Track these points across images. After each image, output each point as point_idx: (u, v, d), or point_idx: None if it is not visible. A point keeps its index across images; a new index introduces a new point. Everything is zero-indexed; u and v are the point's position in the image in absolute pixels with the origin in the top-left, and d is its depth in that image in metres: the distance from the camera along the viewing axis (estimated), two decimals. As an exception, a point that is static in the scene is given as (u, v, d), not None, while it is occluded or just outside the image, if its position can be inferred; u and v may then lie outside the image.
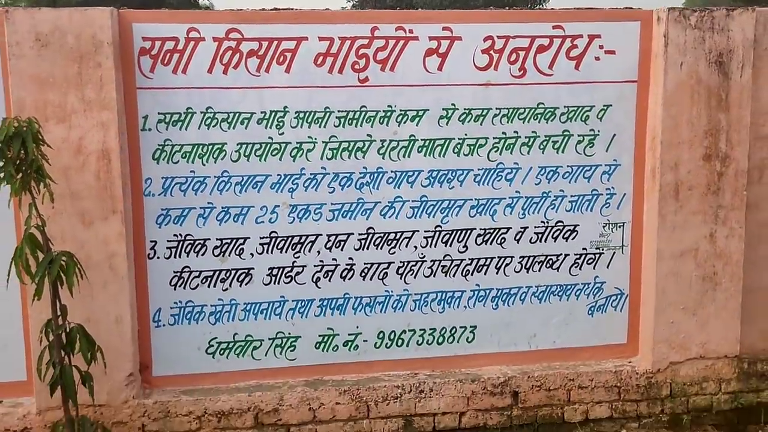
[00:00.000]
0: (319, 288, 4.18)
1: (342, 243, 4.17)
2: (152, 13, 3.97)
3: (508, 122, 4.20)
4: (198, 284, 4.08)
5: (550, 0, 27.41)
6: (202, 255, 4.06)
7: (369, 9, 25.14)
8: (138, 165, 3.93)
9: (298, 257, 4.14)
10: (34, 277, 3.34)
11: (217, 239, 4.06)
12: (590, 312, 4.43)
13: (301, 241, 4.13)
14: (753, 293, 4.42)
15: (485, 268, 4.31)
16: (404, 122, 4.12)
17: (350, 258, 4.19)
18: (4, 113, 3.67)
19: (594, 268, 4.40)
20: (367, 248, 4.20)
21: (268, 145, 4.03)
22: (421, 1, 25.06)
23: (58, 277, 3.37)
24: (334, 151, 4.09)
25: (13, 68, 3.65)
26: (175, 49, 3.89)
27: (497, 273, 4.32)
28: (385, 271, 4.23)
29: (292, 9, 4.04)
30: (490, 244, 4.29)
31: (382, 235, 4.20)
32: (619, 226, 4.38)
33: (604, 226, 4.36)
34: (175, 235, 4.03)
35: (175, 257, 4.04)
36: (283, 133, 4.03)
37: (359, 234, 4.18)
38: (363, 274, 4.21)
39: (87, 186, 3.75)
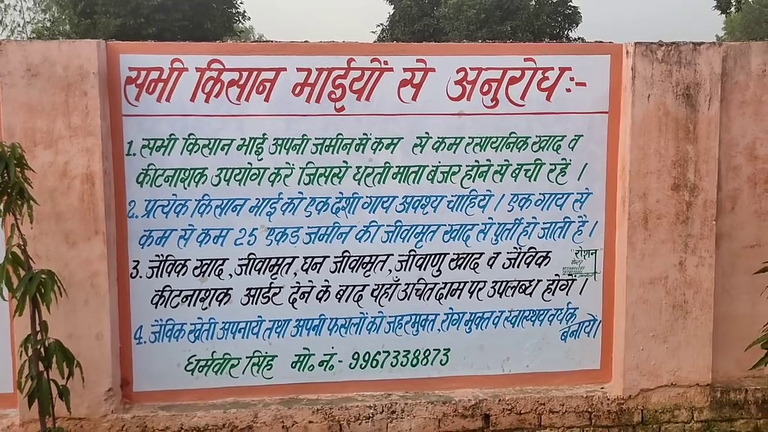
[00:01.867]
0: (296, 309, 4.32)
1: (318, 265, 4.31)
2: (138, 44, 4.20)
3: (481, 150, 4.33)
4: (178, 303, 4.25)
5: (578, 28, 27.60)
6: (183, 275, 4.23)
7: (398, 36, 25.63)
8: (122, 188, 4.13)
9: (276, 278, 4.29)
10: (15, 292, 3.53)
11: (197, 260, 4.23)
12: (563, 337, 4.50)
13: (279, 263, 4.28)
14: (726, 322, 4.46)
15: (459, 292, 4.42)
16: (379, 149, 4.27)
17: (326, 280, 4.32)
18: (-4, 138, 3.89)
19: (567, 294, 4.48)
20: (343, 271, 4.33)
21: (248, 170, 4.20)
22: (449, 26, 25.41)
23: (38, 293, 3.55)
24: (311, 177, 4.25)
25: (4, 96, 3.88)
26: (159, 78, 4.09)
27: (471, 297, 4.43)
28: (360, 293, 4.36)
29: (271, 41, 4.23)
30: (464, 268, 4.40)
31: (357, 258, 4.33)
32: (592, 253, 4.46)
33: (576, 253, 4.45)
34: (156, 255, 4.20)
35: (156, 276, 4.22)
36: (261, 159, 4.20)
37: (335, 257, 4.32)
38: (338, 296, 4.34)
39: (71, 208, 3.94)
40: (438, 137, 4.29)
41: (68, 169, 3.93)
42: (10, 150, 3.46)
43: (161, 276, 4.22)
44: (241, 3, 25.94)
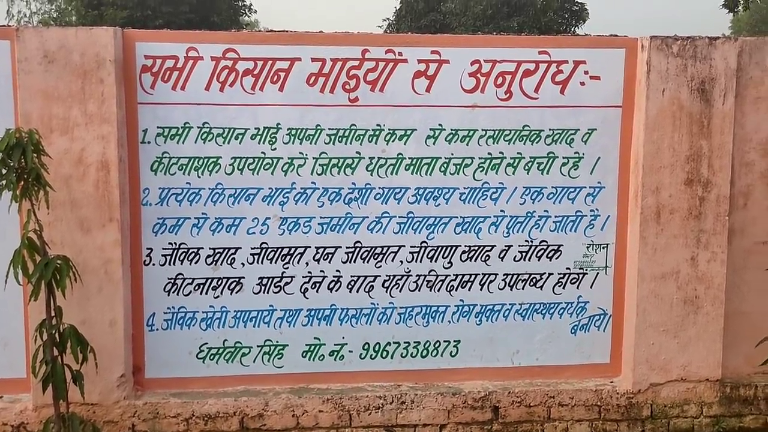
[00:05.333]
0: (307, 298, 4.34)
1: (330, 255, 4.32)
2: (154, 33, 4.21)
3: (494, 143, 4.33)
4: (191, 291, 4.27)
5: (585, 25, 27.53)
6: (196, 263, 4.25)
7: (405, 30, 25.59)
8: (137, 176, 4.15)
9: (287, 268, 4.31)
10: (31, 278, 3.56)
11: (210, 248, 4.25)
12: (573, 331, 4.51)
13: (291, 252, 4.30)
14: (737, 317, 4.46)
15: (470, 284, 4.43)
16: (392, 141, 4.28)
17: (337, 270, 4.34)
18: (12, 125, 3.90)
19: (577, 288, 4.48)
20: (354, 261, 4.34)
21: (261, 159, 4.22)
22: (456, 21, 25.35)
23: (54, 279, 3.58)
24: (324, 167, 4.26)
25: (21, 83, 3.90)
26: (174, 66, 4.11)
27: (481, 289, 4.44)
28: (371, 284, 4.37)
29: (286, 31, 4.23)
30: (475, 261, 4.41)
31: (369, 249, 4.34)
32: (603, 247, 4.46)
33: (587, 247, 4.45)
34: (170, 243, 4.22)
35: (169, 264, 4.24)
36: (275, 149, 4.22)
37: (347, 247, 4.33)
38: (350, 287, 4.36)
39: (86, 195, 3.97)
40: (451, 129, 4.30)
41: (84, 156, 3.95)
42: (28, 136, 3.48)
43: (174, 264, 4.24)
44: (247, -4, 25.99)
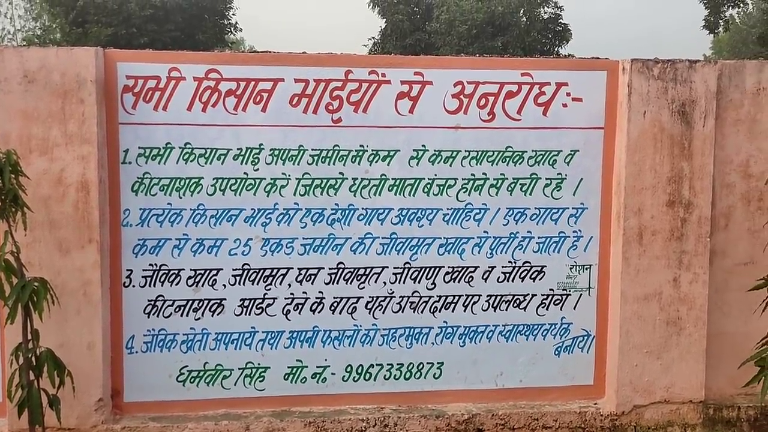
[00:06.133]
0: (289, 320, 4.30)
1: (312, 277, 4.29)
2: (136, 53, 4.19)
3: (477, 164, 4.33)
4: (171, 313, 4.21)
5: (568, 45, 27.89)
6: (176, 285, 4.20)
7: (389, 50, 25.73)
8: (117, 196, 4.11)
9: (270, 289, 4.27)
10: (7, 301, 3.49)
11: (191, 270, 4.21)
12: (557, 352, 4.50)
13: (273, 273, 4.26)
14: (719, 338, 4.47)
15: (453, 305, 4.41)
16: (376, 161, 4.27)
17: (320, 292, 4.31)
18: (-10, 145, 3.86)
19: (561, 309, 4.48)
20: (337, 282, 4.32)
21: (244, 180, 4.19)
22: (441, 41, 25.55)
23: (30, 301, 3.52)
24: (307, 188, 4.24)
25: (1, 103, 3.85)
26: (156, 87, 4.08)
27: (465, 311, 4.42)
28: (354, 305, 4.34)
29: (269, 52, 4.23)
30: (458, 282, 4.40)
31: (352, 270, 4.32)
32: (586, 268, 4.46)
33: (571, 268, 4.45)
34: (150, 264, 4.18)
35: (149, 286, 4.19)
36: (258, 169, 4.19)
37: (330, 268, 4.30)
38: (332, 308, 4.33)
39: (65, 216, 3.92)
40: (434, 150, 4.30)
41: (63, 176, 3.90)
42: (5, 156, 3.43)
43: (154, 285, 4.19)
44: (233, 15, 26.02)
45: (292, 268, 4.27)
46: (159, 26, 21.51)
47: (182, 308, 4.22)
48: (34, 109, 3.87)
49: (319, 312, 4.32)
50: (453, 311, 4.41)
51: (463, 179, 4.34)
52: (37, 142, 3.88)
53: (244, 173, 4.19)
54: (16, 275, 3.54)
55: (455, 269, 4.39)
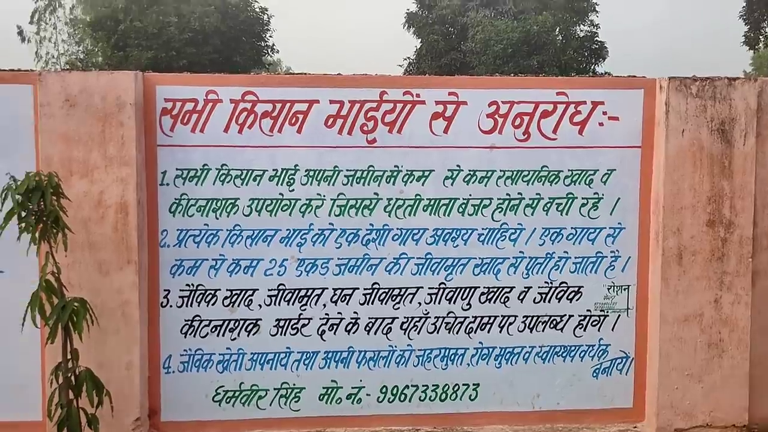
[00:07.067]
0: (324, 340, 4.30)
1: (347, 297, 4.29)
2: (175, 76, 4.26)
3: (512, 184, 4.31)
4: (207, 333, 4.25)
5: (604, 63, 27.67)
6: (213, 305, 4.23)
7: (424, 69, 25.80)
8: (155, 218, 4.16)
9: (305, 310, 4.28)
10: (48, 320, 3.55)
11: (227, 290, 4.24)
12: (595, 374, 4.42)
13: (308, 294, 4.27)
14: (763, 361, 4.36)
15: (489, 326, 4.37)
16: (410, 182, 4.27)
17: (355, 312, 4.30)
18: (34, 168, 3.94)
19: (599, 330, 4.41)
20: (372, 303, 4.31)
21: (279, 201, 4.22)
22: (476, 60, 25.53)
23: (70, 321, 3.57)
24: (342, 208, 4.25)
25: (43, 127, 3.94)
26: (194, 109, 4.14)
27: (501, 332, 4.38)
28: (389, 326, 4.33)
29: (305, 74, 4.27)
30: (494, 302, 4.36)
31: (386, 290, 4.31)
32: (624, 289, 4.40)
33: (608, 289, 4.39)
34: (187, 284, 4.22)
35: (186, 306, 4.23)
36: (293, 190, 4.22)
37: (364, 289, 4.30)
38: (367, 329, 4.32)
39: (105, 237, 3.98)
40: (469, 170, 4.29)
41: (103, 198, 3.97)
42: (47, 179, 3.51)
43: (191, 305, 4.23)
44: (270, 36, 26.38)
45: (327, 288, 4.28)
46: (198, 49, 21.92)
47: (218, 328, 4.25)
48: (75, 132, 3.95)
49: (354, 332, 4.31)
50: (489, 332, 4.37)
51: (498, 199, 4.31)
52: (77, 165, 3.96)
53: (280, 194, 4.22)
54: (56, 295, 3.60)
55: (491, 289, 4.36)
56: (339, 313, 4.30)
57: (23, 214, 3.50)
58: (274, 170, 4.21)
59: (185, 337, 4.24)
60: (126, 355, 4.04)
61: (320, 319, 4.29)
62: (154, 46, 21.54)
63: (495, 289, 4.36)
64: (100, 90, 3.96)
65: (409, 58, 28.91)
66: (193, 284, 4.22)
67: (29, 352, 4.07)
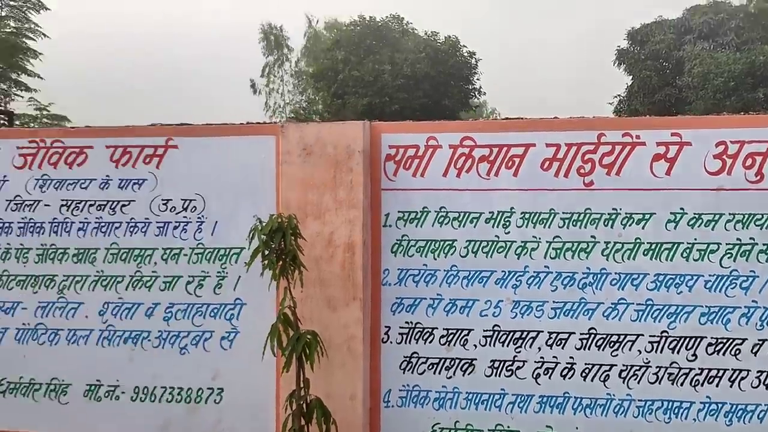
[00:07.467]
0: (539, 384, 4.28)
1: (563, 341, 4.25)
2: (399, 124, 4.54)
3: (743, 228, 4.06)
4: (425, 370, 4.39)
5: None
6: (430, 342, 4.38)
7: (636, 107, 24.93)
8: (378, 257, 4.42)
9: (520, 352, 4.29)
10: (284, 351, 3.88)
11: (444, 329, 4.37)
12: None
13: (523, 336, 4.29)
14: None
15: (717, 379, 4.10)
16: (629, 225, 4.18)
17: (571, 357, 4.24)
18: (274, 211, 4.36)
19: None
20: (589, 348, 4.23)
21: (495, 243, 4.31)
22: (693, 95, 24.24)
23: (303, 352, 3.88)
24: (558, 251, 4.25)
25: (283, 173, 4.37)
26: (415, 155, 4.38)
27: (731, 386, 4.09)
28: (606, 373, 4.21)
29: (522, 118, 4.35)
30: (723, 354, 4.09)
31: (604, 336, 4.21)
32: None
33: None
34: (406, 322, 4.41)
35: (405, 343, 4.41)
36: (509, 232, 4.29)
37: (581, 333, 4.23)
38: (584, 375, 4.23)
39: (334, 275, 4.29)
40: (694, 213, 4.11)
41: (333, 238, 4.29)
42: (287, 221, 3.88)
43: (409, 342, 4.40)
44: (477, 79, 26.94)
45: (542, 331, 4.27)
46: (409, 94, 23.00)
47: (435, 366, 4.38)
48: (311, 177, 4.33)
49: (569, 378, 4.25)
50: (717, 386, 4.10)
51: (727, 244, 4.08)
52: (312, 207, 4.32)
53: (496, 236, 4.31)
54: (292, 328, 3.94)
55: (719, 340, 4.10)
56: (554, 357, 4.26)
57: (266, 252, 3.89)
58: (490, 212, 4.31)
59: (404, 372, 4.42)
60: (350, 387, 4.29)
61: (535, 362, 4.28)
62: (369, 92, 22.94)
63: (724, 340, 4.09)
64: (333, 139, 4.32)
65: (619, 95, 28.07)
66: (412, 322, 4.40)
67: (267, 379, 4.46)
